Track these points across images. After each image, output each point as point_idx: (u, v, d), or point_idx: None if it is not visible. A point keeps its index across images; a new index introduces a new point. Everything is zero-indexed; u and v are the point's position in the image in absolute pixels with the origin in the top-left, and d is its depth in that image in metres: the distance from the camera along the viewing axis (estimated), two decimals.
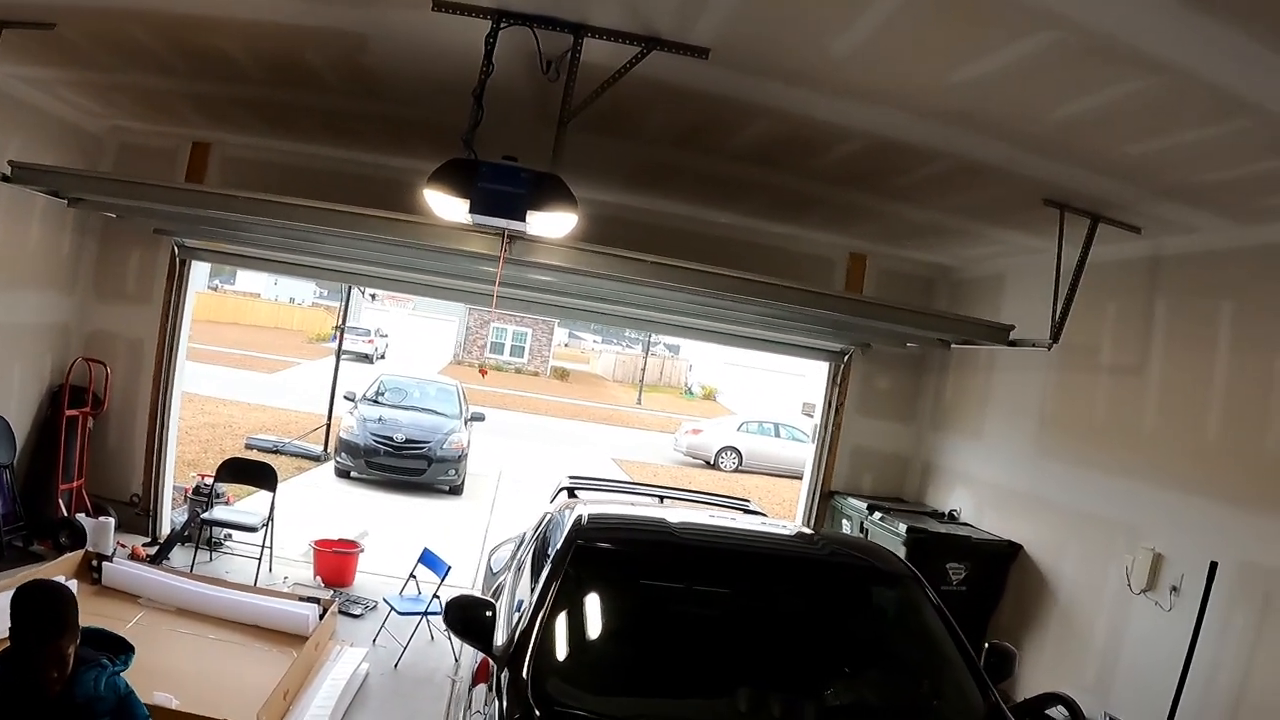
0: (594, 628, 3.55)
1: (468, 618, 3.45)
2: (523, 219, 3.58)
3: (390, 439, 12.24)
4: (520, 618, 3.49)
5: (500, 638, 3.47)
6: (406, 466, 12.21)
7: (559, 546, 3.75)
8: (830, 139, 4.59)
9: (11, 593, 2.69)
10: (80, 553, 6.00)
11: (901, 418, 8.00)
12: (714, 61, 3.71)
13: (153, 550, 6.88)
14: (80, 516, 6.56)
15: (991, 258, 6.91)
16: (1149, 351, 5.40)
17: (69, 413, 6.77)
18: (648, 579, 3.74)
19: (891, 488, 7.96)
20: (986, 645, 3.69)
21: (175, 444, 7.74)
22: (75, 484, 6.81)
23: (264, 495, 7.35)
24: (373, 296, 38.07)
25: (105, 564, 5.93)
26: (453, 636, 4.79)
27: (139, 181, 4.95)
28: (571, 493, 5.64)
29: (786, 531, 4.51)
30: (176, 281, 7.42)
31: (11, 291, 6.41)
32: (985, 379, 7.10)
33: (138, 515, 7.32)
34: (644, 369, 38.78)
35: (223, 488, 7.67)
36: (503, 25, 3.64)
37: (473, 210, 3.59)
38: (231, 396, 18.13)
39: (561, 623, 3.37)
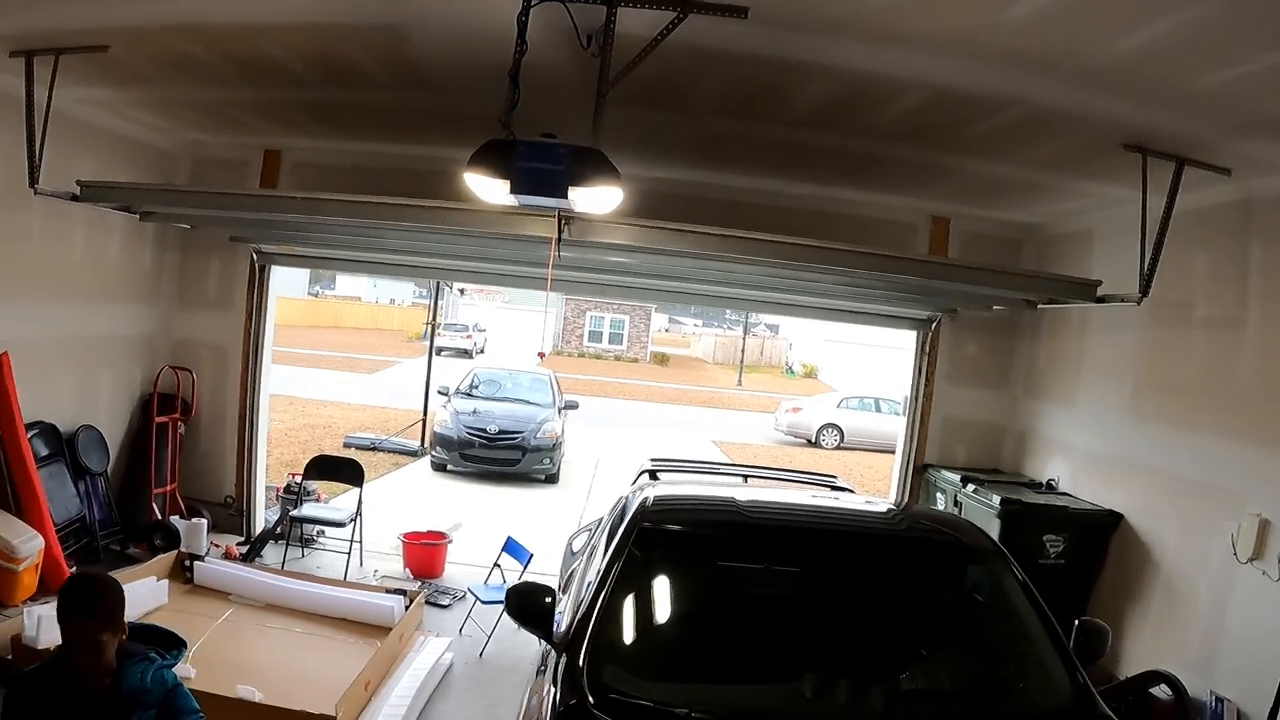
0: (655, 611, 3.50)
1: (526, 605, 3.44)
2: (564, 195, 3.49)
3: (484, 430, 12.43)
4: (581, 603, 3.44)
5: (563, 624, 3.43)
6: (501, 457, 12.37)
7: (623, 529, 3.69)
8: (886, 94, 4.37)
9: None
10: (173, 554, 6.23)
11: (994, 385, 7.63)
12: (754, 20, 3.53)
13: (245, 549, 7.05)
14: (174, 519, 6.83)
15: (1078, 213, 6.51)
16: (1245, 303, 5.03)
17: (158, 419, 7.06)
18: (713, 560, 3.65)
19: (987, 458, 7.62)
20: (1077, 623, 3.51)
21: (265, 445, 7.98)
22: (168, 488, 7.10)
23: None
24: (460, 291, 38.97)
25: (196, 563, 6.14)
26: None
27: (201, 190, 5.13)
28: (653, 475, 5.57)
29: (865, 507, 4.32)
30: (256, 287, 7.64)
31: (96, 306, 6.73)
32: (1078, 341, 6.74)
33: (231, 516, 7.56)
34: (743, 350, 38.50)
35: (313, 485, 7.84)
36: (534, 3, 3.53)
37: (513, 190, 3.52)
38: (332, 398, 18.75)
39: (621, 607, 3.32)
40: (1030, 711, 3.14)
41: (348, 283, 47.64)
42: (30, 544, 5.36)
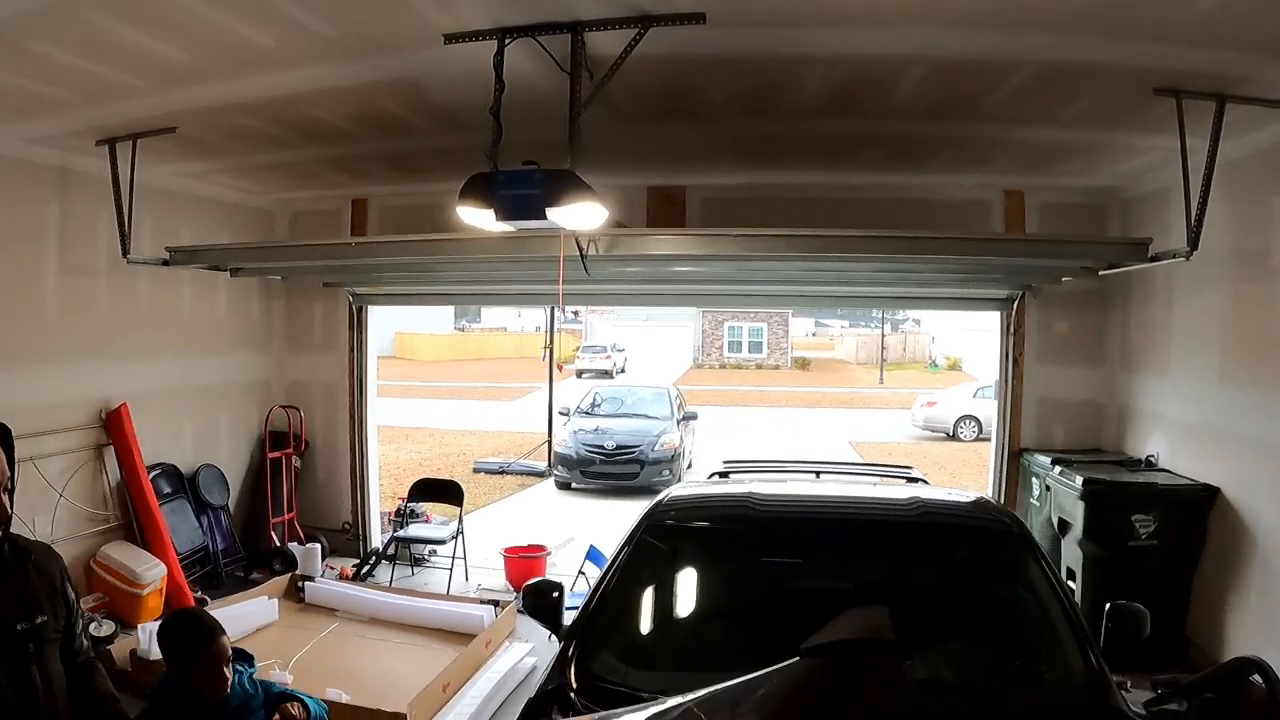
0: (653, 603, 3.59)
1: (538, 600, 3.60)
2: (543, 216, 3.77)
3: (601, 447, 12.87)
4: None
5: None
6: (620, 472, 12.74)
7: (633, 525, 3.82)
8: (887, 72, 4.40)
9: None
10: (287, 576, 6.85)
11: (1089, 361, 7.31)
12: (715, 23, 3.70)
13: (363, 570, 7.63)
14: (292, 545, 7.47)
15: (1150, 170, 6.22)
16: None
17: (271, 455, 7.79)
18: (715, 553, 3.75)
19: (1087, 439, 7.30)
20: (1108, 606, 3.35)
21: (377, 472, 8.64)
22: (286, 517, 7.78)
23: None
24: (575, 314, 39.91)
25: (308, 584, 6.74)
26: None
27: (271, 245, 5.67)
28: (724, 475, 5.70)
29: (892, 495, 4.23)
30: (356, 327, 8.27)
31: (209, 357, 7.56)
32: (1165, 307, 6.41)
33: (348, 540, 8.19)
34: (882, 347, 37.79)
35: (423, 507, 8.38)
36: (507, 41, 3.84)
37: (499, 217, 3.85)
38: (471, 426, 19.61)
39: (619, 599, 3.45)
40: (1033, 702, 3.04)
41: (493, 315, 49.50)
42: (153, 571, 6.08)
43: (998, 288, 7.23)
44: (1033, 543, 3.60)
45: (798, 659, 2.51)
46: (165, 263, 5.74)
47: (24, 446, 5.56)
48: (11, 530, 2.50)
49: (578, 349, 38.06)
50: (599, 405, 14.74)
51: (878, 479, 5.68)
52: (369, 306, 8.30)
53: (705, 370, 38.08)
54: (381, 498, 8.99)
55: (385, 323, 42.53)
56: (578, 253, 4.75)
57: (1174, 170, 5.94)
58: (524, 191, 3.74)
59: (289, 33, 3.88)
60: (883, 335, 39.72)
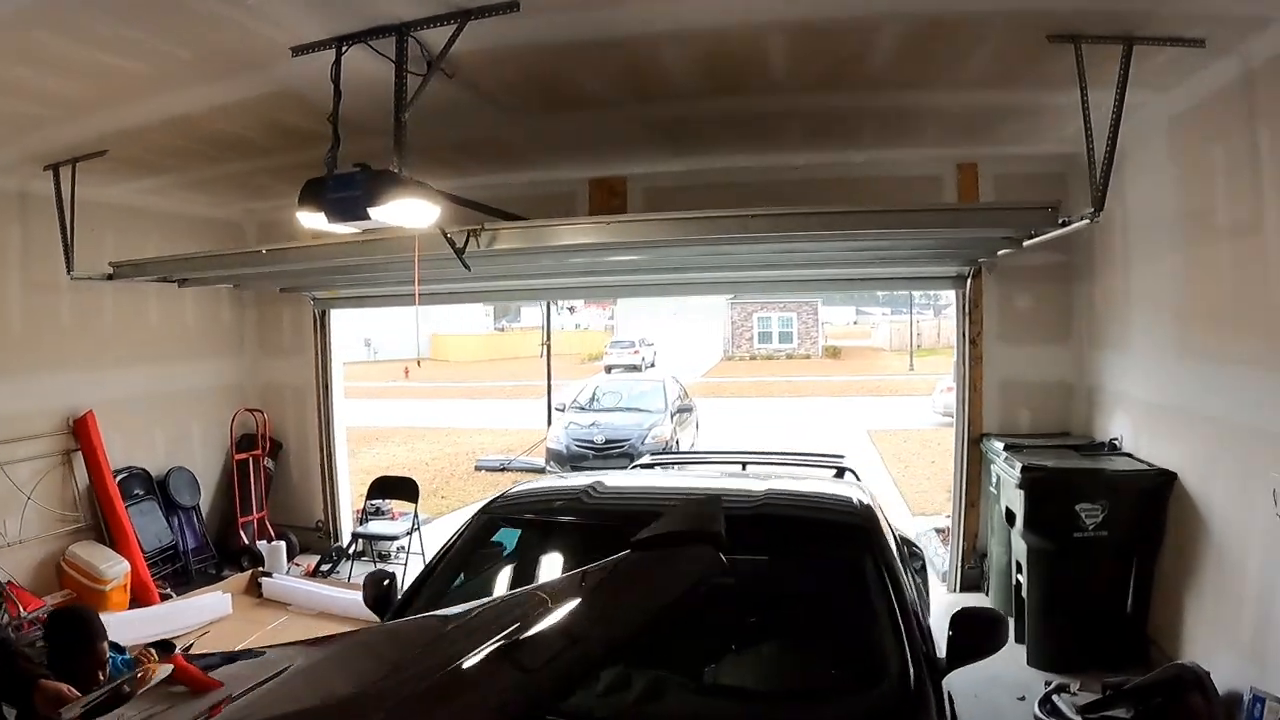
0: (464, 593, 3.74)
1: (374, 592, 3.81)
2: (366, 216, 4.08)
3: (591, 442, 13.17)
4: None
5: None
6: (611, 467, 12.97)
7: (469, 518, 4.06)
8: (747, 44, 4.46)
9: None
10: (248, 573, 7.31)
11: (1055, 339, 7.18)
12: (530, 11, 3.83)
13: (325, 568, 8.07)
14: (261, 544, 7.92)
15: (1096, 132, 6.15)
16: (1262, 199, 4.42)
17: (239, 457, 8.35)
18: (536, 547, 3.95)
19: (1055, 421, 7.16)
20: (953, 613, 3.18)
21: (347, 471, 9.12)
22: (256, 516, 8.32)
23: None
24: (571, 310, 40.11)
25: (264, 579, 7.22)
26: None
27: (199, 255, 6.13)
28: (648, 467, 6.02)
29: (753, 489, 4.10)
30: (319, 331, 8.74)
31: (178, 364, 8.18)
32: (1123, 277, 6.27)
33: (320, 538, 8.65)
34: (912, 333, 37.52)
35: (390, 504, 8.80)
36: (344, 49, 4.18)
37: (329, 219, 4.19)
38: (486, 425, 20.12)
39: (436, 587, 3.66)
40: (830, 715, 2.90)
41: (533, 314, 50.30)
42: (116, 569, 6.65)
43: (948, 264, 7.19)
44: (874, 541, 3.51)
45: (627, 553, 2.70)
46: (109, 277, 6.19)
47: None
48: None
49: (542, 344, 38.59)
50: (598, 400, 15.04)
51: (802, 469, 5.83)
52: (330, 310, 8.72)
53: (735, 362, 38.73)
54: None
55: (422, 325, 43.97)
56: (452, 250, 4.99)
57: (1129, 130, 5.85)
58: (347, 194, 4.06)
59: (154, 59, 4.28)
60: (911, 320, 39.25)
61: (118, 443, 7.27)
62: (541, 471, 14.57)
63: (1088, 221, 4.43)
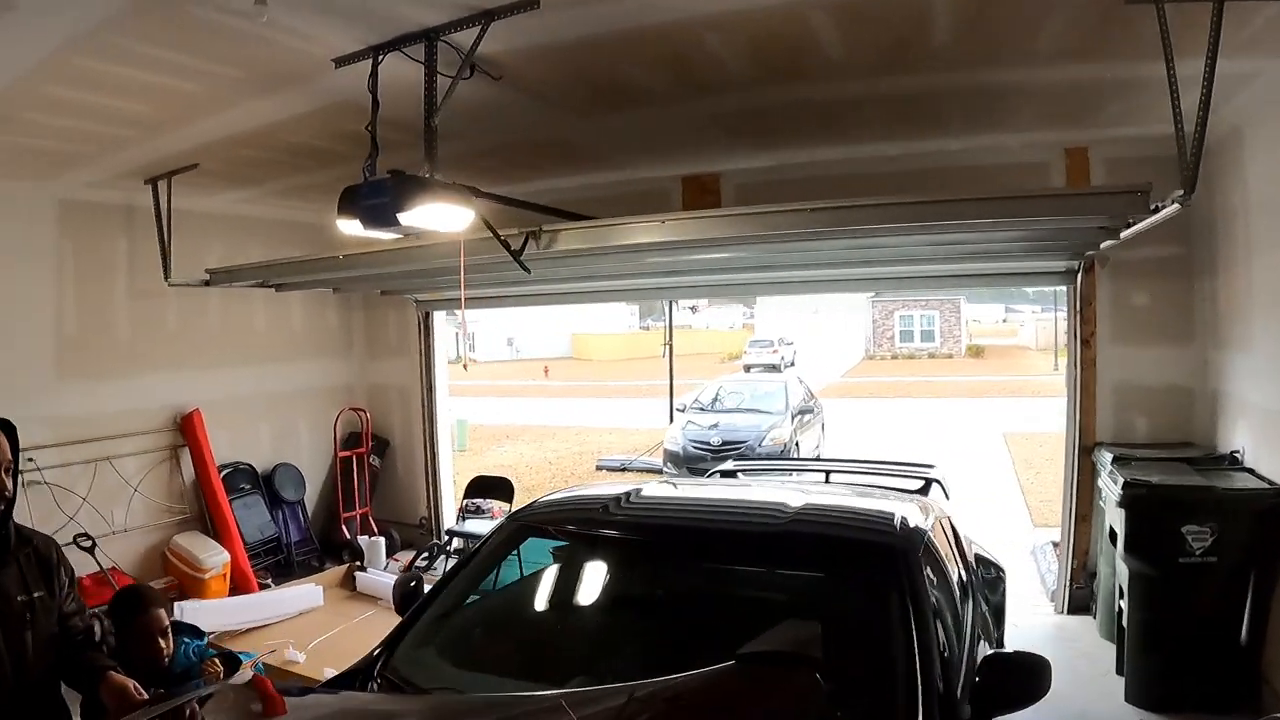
0: (473, 605, 3.80)
1: (402, 592, 3.87)
2: (396, 223, 4.15)
3: (708, 443, 13.04)
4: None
5: None
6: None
7: (500, 524, 4.08)
8: (794, 25, 4.23)
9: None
10: (345, 566, 7.60)
11: (1175, 339, 6.56)
12: (550, 7, 3.79)
13: (421, 563, 8.33)
14: (363, 539, 8.23)
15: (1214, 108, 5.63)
16: None
17: (342, 454, 8.69)
18: (558, 560, 3.89)
19: (1175, 430, 6.54)
20: (983, 657, 3.01)
21: (450, 468, 9.36)
22: (359, 511, 8.64)
23: None
24: (693, 309, 39.64)
25: (359, 574, 7.45)
26: None
27: (295, 260, 6.28)
28: (726, 475, 5.91)
29: (792, 503, 3.84)
30: (423, 333, 8.99)
31: (284, 364, 8.61)
32: (1245, 268, 5.65)
33: (422, 535, 8.93)
34: (1056, 330, 35.48)
35: (490, 503, 9.00)
36: (380, 59, 4.28)
37: (365, 226, 4.27)
38: (616, 424, 20.39)
39: (449, 597, 3.67)
40: None
41: (680, 313, 50.79)
42: (216, 558, 7.04)
43: (1053, 258, 6.71)
44: (905, 567, 3.19)
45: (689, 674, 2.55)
46: (206, 283, 6.58)
47: (101, 448, 6.75)
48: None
49: (665, 344, 38.55)
50: (720, 400, 14.94)
51: (886, 479, 5.60)
52: (433, 312, 8.99)
53: (876, 361, 38.24)
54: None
55: (564, 324, 45.06)
56: (507, 252, 5.03)
57: (1246, 102, 5.39)
58: (378, 200, 4.13)
59: (205, 79, 4.51)
60: (1055, 318, 37.16)
61: (224, 439, 7.74)
62: (659, 472, 14.64)
63: (1178, 207, 3.87)
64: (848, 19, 4.20)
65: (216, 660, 3.75)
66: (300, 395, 8.69)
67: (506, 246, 5.07)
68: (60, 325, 6.68)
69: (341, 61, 4.39)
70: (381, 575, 7.61)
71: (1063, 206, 4.71)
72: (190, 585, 6.97)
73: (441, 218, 4.28)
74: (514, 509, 8.12)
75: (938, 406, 24.23)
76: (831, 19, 4.21)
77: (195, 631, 3.92)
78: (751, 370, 31.61)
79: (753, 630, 3.12)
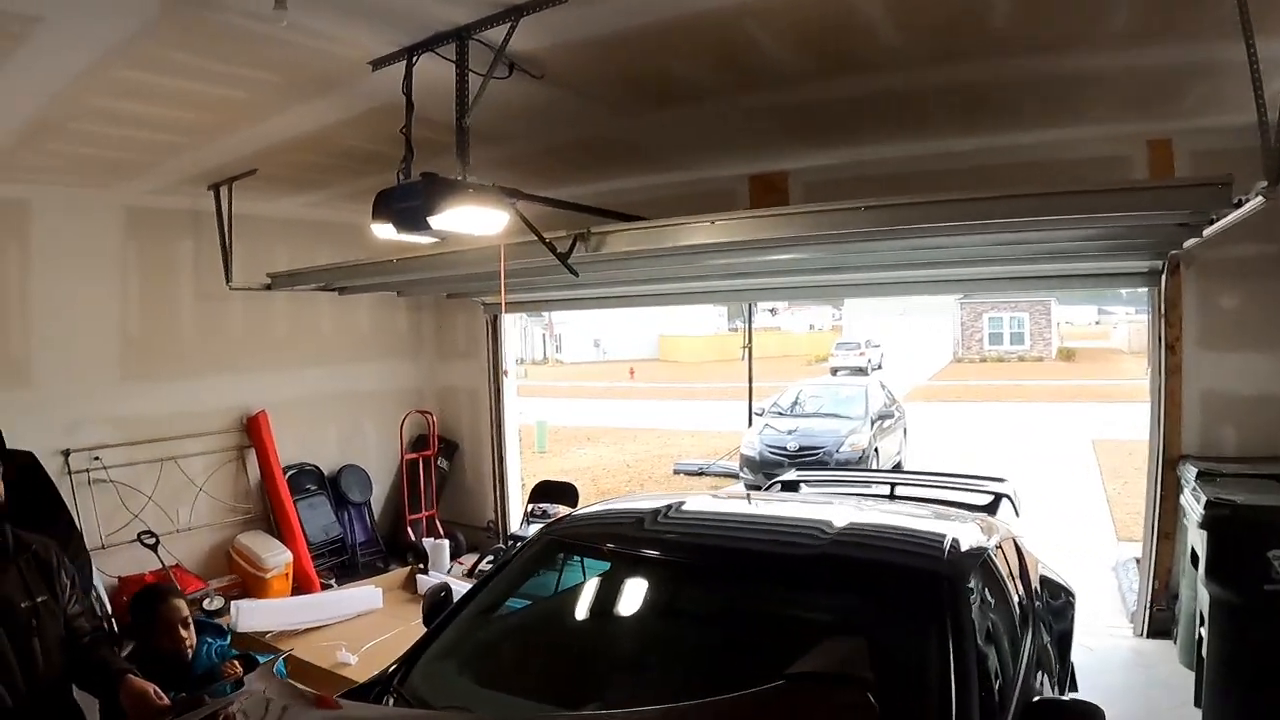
0: (498, 620, 3.70)
1: (431, 602, 3.84)
2: (427, 227, 4.08)
3: (784, 448, 12.78)
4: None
5: None
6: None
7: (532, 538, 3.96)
8: (841, 11, 4.02)
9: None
10: (407, 569, 7.66)
11: (1268, 344, 6.05)
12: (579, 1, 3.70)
13: (486, 566, 8.31)
14: (428, 541, 8.25)
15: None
16: None
17: (409, 456, 8.74)
18: (586, 577, 3.76)
19: (1268, 444, 6.02)
20: (1031, 703, 2.86)
21: (518, 472, 9.33)
22: (424, 514, 8.68)
23: None
24: (773, 312, 38.90)
25: (419, 576, 7.48)
26: None
27: (334, 266, 6.35)
28: (787, 486, 5.71)
29: (836, 521, 3.61)
30: (492, 335, 9.00)
31: (353, 367, 8.72)
32: None
33: (489, 538, 8.93)
34: (1149, 332, 33.95)
35: (557, 508, 8.94)
36: (414, 60, 4.23)
37: (399, 230, 4.22)
38: (698, 427, 20.21)
39: (473, 611, 3.60)
40: None
41: (766, 315, 50.51)
42: (278, 558, 7.15)
43: (1134, 258, 6.32)
44: (947, 596, 2.94)
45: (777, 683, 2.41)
46: (268, 287, 6.67)
47: (167, 447, 6.90)
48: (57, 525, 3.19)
49: (744, 347, 38.13)
50: (800, 404, 14.64)
51: (959, 491, 5.33)
52: (500, 315, 8.98)
53: (964, 364, 37.60)
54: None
55: (649, 326, 45.03)
56: (554, 255, 4.93)
57: None
58: (410, 204, 4.07)
59: (247, 86, 4.55)
60: (1148, 321, 35.62)
61: (290, 441, 7.87)
62: (735, 477, 14.42)
63: (1263, 200, 3.52)
64: (898, 3, 3.95)
65: (236, 663, 3.75)
66: (368, 397, 8.78)
67: (552, 249, 4.96)
68: (126, 328, 6.88)
69: (378, 64, 4.36)
70: (439, 579, 7.62)
71: (1134, 201, 4.30)
72: (253, 584, 7.08)
73: (474, 221, 4.20)
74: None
75: (1025, 411, 23.51)
76: (879, 3, 3.95)
77: (219, 631, 3.97)
78: (838, 373, 31.09)
79: (781, 657, 3.03)
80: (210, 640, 3.86)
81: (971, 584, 3.15)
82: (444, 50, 4.15)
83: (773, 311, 53.04)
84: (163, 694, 3.05)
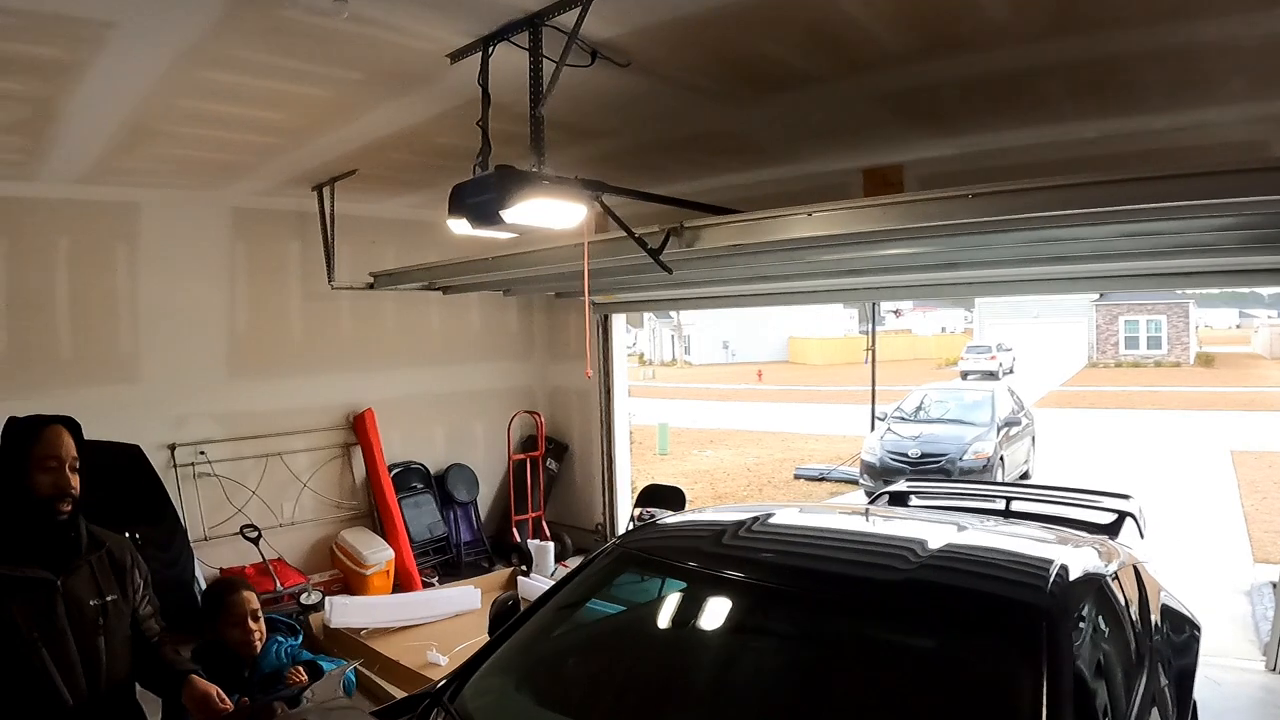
0: (560, 636, 3.49)
1: (496, 610, 3.70)
2: (500, 220, 3.89)
3: (905, 455, 12.20)
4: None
5: None
6: (925, 482, 12.00)
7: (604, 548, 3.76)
8: None
9: None
10: (509, 570, 7.58)
11: None
12: None
13: None
14: (533, 543, 8.16)
15: None
16: None
17: (516, 457, 8.66)
18: (651, 595, 3.52)
19: None
20: None
21: (628, 475, 9.13)
22: (531, 515, 8.56)
23: None
24: (896, 313, 37.21)
25: (520, 578, 7.38)
26: None
27: (454, 262, 6.22)
28: (896, 499, 5.32)
29: (931, 543, 3.22)
30: (602, 335, 8.83)
31: (463, 367, 8.71)
32: None
33: (597, 541, 8.74)
34: None
35: (665, 513, 8.71)
36: (489, 50, 4.06)
37: (473, 225, 4.05)
38: (824, 431, 19.72)
39: (537, 623, 3.40)
40: None
41: (903, 318, 49.15)
42: (379, 555, 7.17)
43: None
44: (1047, 633, 2.53)
45: None
46: (370, 286, 6.68)
47: (271, 444, 7.01)
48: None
49: (866, 350, 37.00)
50: (925, 409, 13.97)
51: (1078, 508, 4.85)
52: (611, 315, 8.81)
53: (1098, 369, 35.96)
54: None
55: (778, 328, 44.39)
56: (644, 251, 4.69)
57: None
58: (483, 198, 3.89)
59: (329, 84, 4.47)
60: None
61: (397, 439, 7.91)
62: (855, 483, 13.86)
63: None
64: None
65: (300, 669, 3.66)
66: (478, 397, 8.77)
67: (643, 244, 4.73)
68: (233, 326, 7.05)
69: (456, 56, 4.21)
70: (540, 581, 7.49)
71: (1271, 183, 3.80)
72: (353, 580, 7.12)
73: (549, 214, 3.99)
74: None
75: (1161, 419, 22.18)
76: None
77: (292, 630, 3.89)
78: (968, 377, 29.89)
79: (855, 696, 2.75)
80: (281, 640, 3.79)
81: (1080, 620, 2.76)
82: (519, 39, 3.96)
83: (896, 313, 51.77)
84: (225, 697, 2.99)
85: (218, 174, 6.14)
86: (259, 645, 3.60)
